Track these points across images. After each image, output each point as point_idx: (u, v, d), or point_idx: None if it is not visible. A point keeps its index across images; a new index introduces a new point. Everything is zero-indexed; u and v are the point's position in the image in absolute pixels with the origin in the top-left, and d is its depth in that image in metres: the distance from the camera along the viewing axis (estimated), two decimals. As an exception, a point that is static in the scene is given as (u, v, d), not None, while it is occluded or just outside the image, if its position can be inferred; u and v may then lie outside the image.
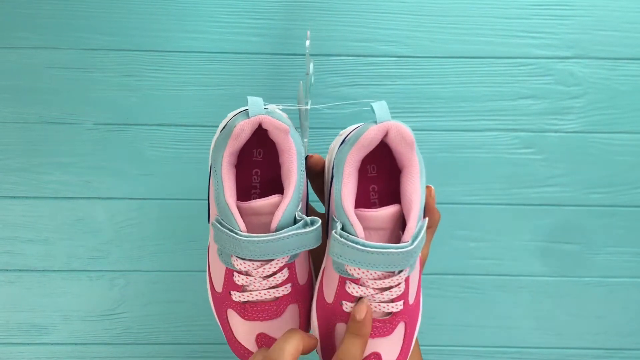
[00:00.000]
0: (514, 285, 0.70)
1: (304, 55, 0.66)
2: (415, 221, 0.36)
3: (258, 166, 0.44)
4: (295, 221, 0.38)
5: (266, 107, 0.40)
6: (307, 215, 0.40)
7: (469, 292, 0.70)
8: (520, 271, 0.70)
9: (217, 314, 0.43)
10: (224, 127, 0.40)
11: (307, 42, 0.42)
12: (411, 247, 0.35)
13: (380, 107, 0.38)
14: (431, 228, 0.42)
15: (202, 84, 0.66)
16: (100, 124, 0.67)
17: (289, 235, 0.36)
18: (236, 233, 0.37)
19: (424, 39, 0.66)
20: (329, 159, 0.44)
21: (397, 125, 0.37)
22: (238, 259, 0.38)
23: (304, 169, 0.39)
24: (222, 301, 0.41)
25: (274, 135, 0.38)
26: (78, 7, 0.66)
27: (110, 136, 0.67)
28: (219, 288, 0.41)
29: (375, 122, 0.38)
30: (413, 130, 0.38)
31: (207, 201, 0.42)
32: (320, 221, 0.38)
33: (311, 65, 0.43)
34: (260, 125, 0.38)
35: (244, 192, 0.43)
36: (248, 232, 0.38)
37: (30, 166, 0.68)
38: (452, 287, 0.70)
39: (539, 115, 0.67)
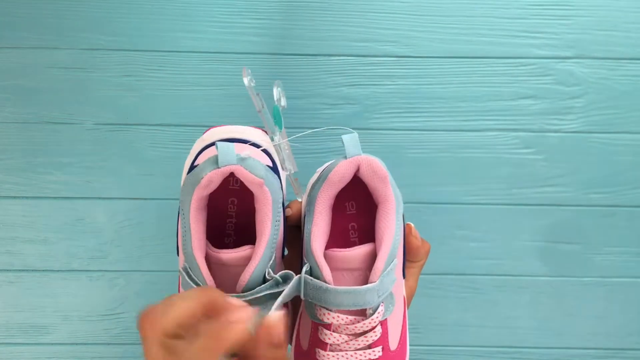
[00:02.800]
0: (514, 285, 0.70)
1: (304, 55, 0.66)
2: (384, 260, 0.34)
3: (235, 195, 0.40)
4: (264, 280, 0.35)
5: (239, 153, 0.36)
6: (283, 257, 0.39)
7: (469, 292, 0.70)
8: (520, 271, 0.70)
9: None
10: (190, 168, 0.37)
11: (245, 80, 0.36)
12: (375, 284, 0.33)
13: (351, 140, 0.35)
14: (419, 261, 0.40)
15: (202, 84, 0.66)
16: (100, 124, 0.67)
17: (260, 296, 0.34)
18: None
19: (424, 39, 0.66)
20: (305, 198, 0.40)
21: (368, 159, 0.35)
22: None
23: (280, 219, 0.36)
24: None
25: (248, 185, 0.35)
26: (78, 7, 0.66)
27: (110, 136, 0.67)
28: None
29: (345, 157, 0.35)
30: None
31: (176, 237, 0.39)
32: (294, 277, 0.35)
33: (261, 99, 0.38)
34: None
35: (219, 227, 0.41)
36: (215, 284, 0.35)
37: (30, 166, 0.68)
38: (452, 287, 0.70)
39: (539, 115, 0.67)
